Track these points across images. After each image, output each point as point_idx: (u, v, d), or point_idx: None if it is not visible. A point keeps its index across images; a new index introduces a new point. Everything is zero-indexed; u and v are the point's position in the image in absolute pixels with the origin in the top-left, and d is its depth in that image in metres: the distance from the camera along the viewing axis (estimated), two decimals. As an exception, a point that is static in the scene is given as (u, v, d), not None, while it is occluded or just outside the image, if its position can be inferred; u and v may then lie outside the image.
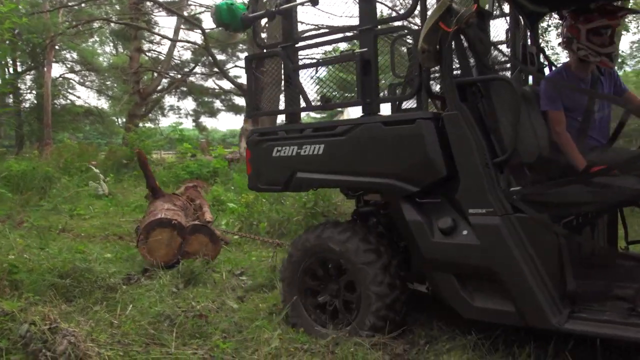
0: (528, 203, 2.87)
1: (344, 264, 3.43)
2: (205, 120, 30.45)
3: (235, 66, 25.08)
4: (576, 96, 3.63)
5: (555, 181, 3.22)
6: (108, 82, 29.01)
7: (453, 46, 3.06)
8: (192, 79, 26.13)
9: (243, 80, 17.62)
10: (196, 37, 22.29)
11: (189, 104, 31.21)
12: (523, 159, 3.21)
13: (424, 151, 3.00)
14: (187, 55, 26.26)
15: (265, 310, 3.98)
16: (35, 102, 25.66)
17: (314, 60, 4.08)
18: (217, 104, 28.48)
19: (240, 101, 25.07)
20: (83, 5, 19.65)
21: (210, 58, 19.31)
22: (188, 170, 14.11)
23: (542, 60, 4.47)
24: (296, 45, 3.88)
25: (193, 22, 18.46)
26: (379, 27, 3.47)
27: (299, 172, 3.53)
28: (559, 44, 4.91)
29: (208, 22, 20.03)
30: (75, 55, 26.51)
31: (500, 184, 2.92)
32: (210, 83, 26.49)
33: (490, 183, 2.90)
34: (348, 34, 3.64)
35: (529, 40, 4.26)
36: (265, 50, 4.28)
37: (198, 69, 25.54)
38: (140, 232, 5.42)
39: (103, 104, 30.53)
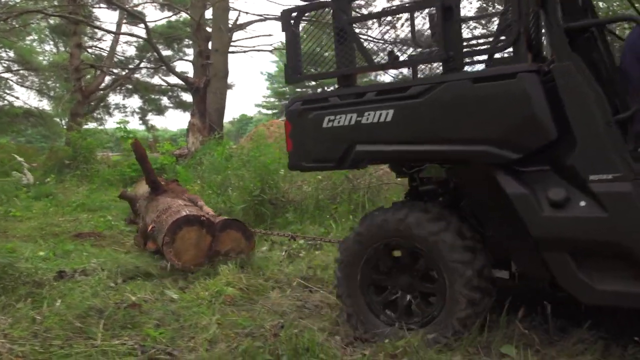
0: None
1: (430, 257, 2.97)
2: (153, 119, 29.69)
3: (181, 59, 24.48)
4: None
5: None
6: (49, 82, 27.87)
7: None
8: (137, 75, 25.41)
9: (190, 75, 17.21)
10: (140, 32, 21.59)
11: (135, 102, 30.37)
12: None
13: (529, 110, 2.57)
14: (131, 51, 25.47)
15: (206, 299, 3.76)
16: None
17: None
18: (165, 101, 27.75)
19: (188, 97, 24.47)
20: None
21: (155, 54, 18.76)
22: (134, 167, 13.58)
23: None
24: None
25: (136, 16, 17.87)
26: None
27: (359, 145, 3.02)
28: None
29: (152, 16, 19.47)
30: (11, 54, 25.30)
31: (627, 144, 2.52)
32: (156, 80, 25.83)
33: (615, 144, 2.48)
34: None
35: None
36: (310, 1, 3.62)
37: (143, 66, 24.79)
38: (165, 233, 4.71)
39: (45, 105, 29.30)
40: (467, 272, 2.83)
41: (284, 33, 3.38)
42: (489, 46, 3.59)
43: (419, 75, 3.32)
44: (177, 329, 3.10)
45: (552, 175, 2.66)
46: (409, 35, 3.24)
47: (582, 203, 2.54)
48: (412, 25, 3.13)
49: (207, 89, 15.09)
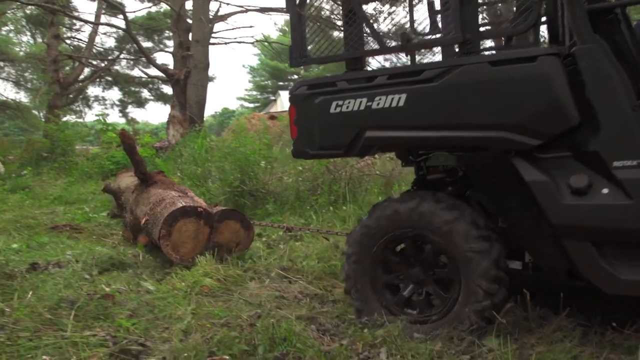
0: None
1: (444, 247, 2.87)
2: (134, 111, 29.31)
3: (161, 50, 24.20)
4: None
5: None
6: (27, 74, 27.37)
7: None
8: (117, 67, 25.08)
9: (170, 67, 16.99)
10: (119, 23, 21.29)
11: (114, 94, 29.93)
12: None
13: (550, 95, 2.47)
14: (111, 42, 25.14)
15: (182, 290, 3.69)
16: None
17: None
18: (145, 93, 27.45)
19: (169, 90, 24.21)
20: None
21: (135, 45, 18.50)
22: (114, 160, 13.42)
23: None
24: None
25: (115, 6, 17.58)
26: None
27: (369, 131, 2.88)
28: None
29: (131, 7, 19.19)
30: (-13, 44, 24.79)
31: None
32: (136, 72, 25.53)
33: None
34: None
35: None
36: None
37: (123, 57, 24.45)
38: (160, 226, 4.48)
39: (22, 97, 28.79)
40: (484, 262, 2.74)
41: (288, 14, 3.24)
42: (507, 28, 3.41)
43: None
44: (151, 319, 3.03)
45: (573, 161, 2.57)
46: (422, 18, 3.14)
47: (605, 190, 2.45)
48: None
49: (188, 81, 14.91)
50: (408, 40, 2.98)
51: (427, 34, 3.22)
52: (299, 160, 7.62)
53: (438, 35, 3.30)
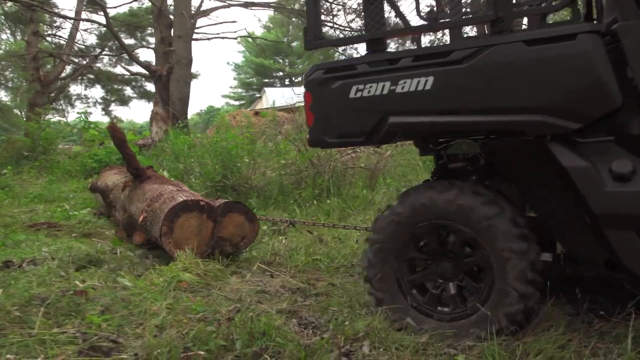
0: None
1: (479, 244, 2.69)
2: (117, 109, 28.94)
3: (143, 46, 23.90)
4: None
5: None
6: (7, 72, 26.97)
7: None
8: (99, 65, 24.76)
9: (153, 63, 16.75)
10: (101, 20, 20.97)
11: (97, 92, 29.57)
12: None
13: (592, 74, 2.31)
14: (92, 39, 24.83)
15: (160, 285, 3.57)
16: None
17: None
18: (128, 91, 27.16)
19: (152, 87, 23.96)
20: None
21: (117, 42, 18.24)
22: (96, 158, 13.22)
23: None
24: None
25: (96, 2, 17.31)
26: None
27: (393, 117, 2.70)
28: None
29: (112, 2, 18.93)
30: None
31: None
32: (119, 69, 25.21)
33: None
34: None
35: None
36: None
37: (105, 54, 24.13)
38: (161, 223, 4.21)
39: (3, 96, 28.39)
40: (522, 263, 2.57)
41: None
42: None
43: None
44: (125, 315, 2.91)
45: (615, 146, 2.42)
46: None
47: None
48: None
49: (170, 77, 14.73)
50: (435, 19, 2.82)
51: (454, 13, 3.00)
52: (281, 154, 7.55)
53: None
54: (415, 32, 3.12)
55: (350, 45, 2.91)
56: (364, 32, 3.08)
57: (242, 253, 4.56)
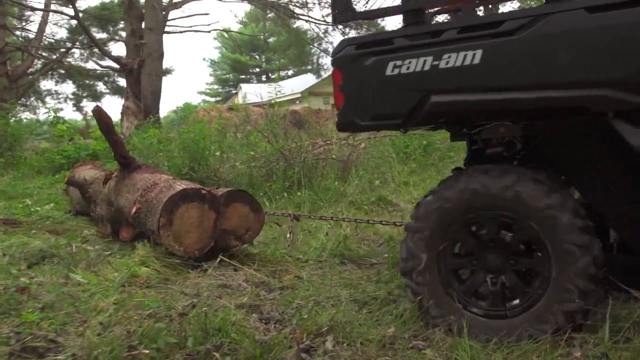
0: None
1: (538, 235, 2.44)
2: (89, 105, 28.23)
3: (116, 40, 23.33)
4: None
5: None
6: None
7: None
8: (70, 60, 24.17)
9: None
10: (71, 13, 20.45)
11: (68, 87, 28.89)
12: None
13: None
14: (62, 33, 24.19)
15: (114, 280, 3.35)
16: None
17: None
18: (101, 86, 26.57)
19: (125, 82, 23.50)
20: None
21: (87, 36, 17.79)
22: (65, 154, 12.83)
23: None
24: None
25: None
26: None
27: (436, 95, 2.45)
28: None
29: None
30: None
31: None
32: (91, 64, 24.62)
33: None
34: None
35: None
36: None
37: (75, 48, 23.53)
38: (159, 214, 3.78)
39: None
40: (585, 258, 2.34)
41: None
42: None
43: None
44: (70, 313, 2.69)
45: None
46: None
47: None
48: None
49: (142, 71, 14.39)
50: None
51: None
52: (250, 145, 7.35)
53: None
54: (459, 0, 2.81)
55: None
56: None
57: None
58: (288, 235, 4.62)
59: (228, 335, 2.44)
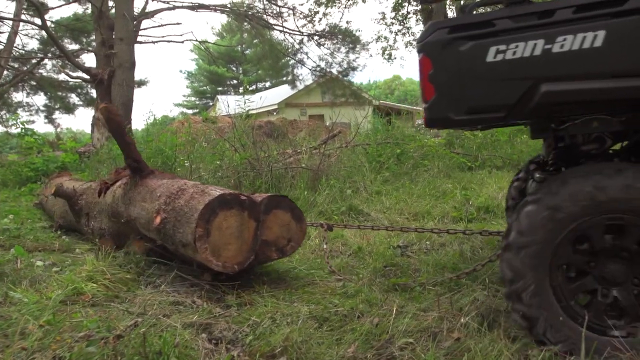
0: None
1: None
2: (62, 117, 27.67)
3: (87, 51, 22.84)
4: None
5: None
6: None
7: None
8: (42, 71, 23.68)
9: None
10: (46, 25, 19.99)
11: (40, 99, 28.26)
12: None
13: None
14: (34, 44, 23.73)
15: (56, 299, 3.09)
16: None
17: None
18: (74, 98, 26.06)
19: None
20: None
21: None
22: (33, 167, 12.44)
23: None
24: None
25: (34, 4, 16.42)
26: None
27: (547, 84, 2.16)
28: None
29: (54, 3, 18.07)
30: None
31: None
32: (63, 76, 24.14)
33: None
34: None
35: None
36: None
37: (46, 60, 23.05)
38: (195, 224, 3.24)
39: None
40: None
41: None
42: None
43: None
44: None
45: None
46: None
47: None
48: None
49: (112, 81, 14.06)
50: None
51: None
52: (216, 154, 7.11)
53: None
54: None
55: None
56: None
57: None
58: (324, 246, 4.22)
59: (169, 359, 2.21)
